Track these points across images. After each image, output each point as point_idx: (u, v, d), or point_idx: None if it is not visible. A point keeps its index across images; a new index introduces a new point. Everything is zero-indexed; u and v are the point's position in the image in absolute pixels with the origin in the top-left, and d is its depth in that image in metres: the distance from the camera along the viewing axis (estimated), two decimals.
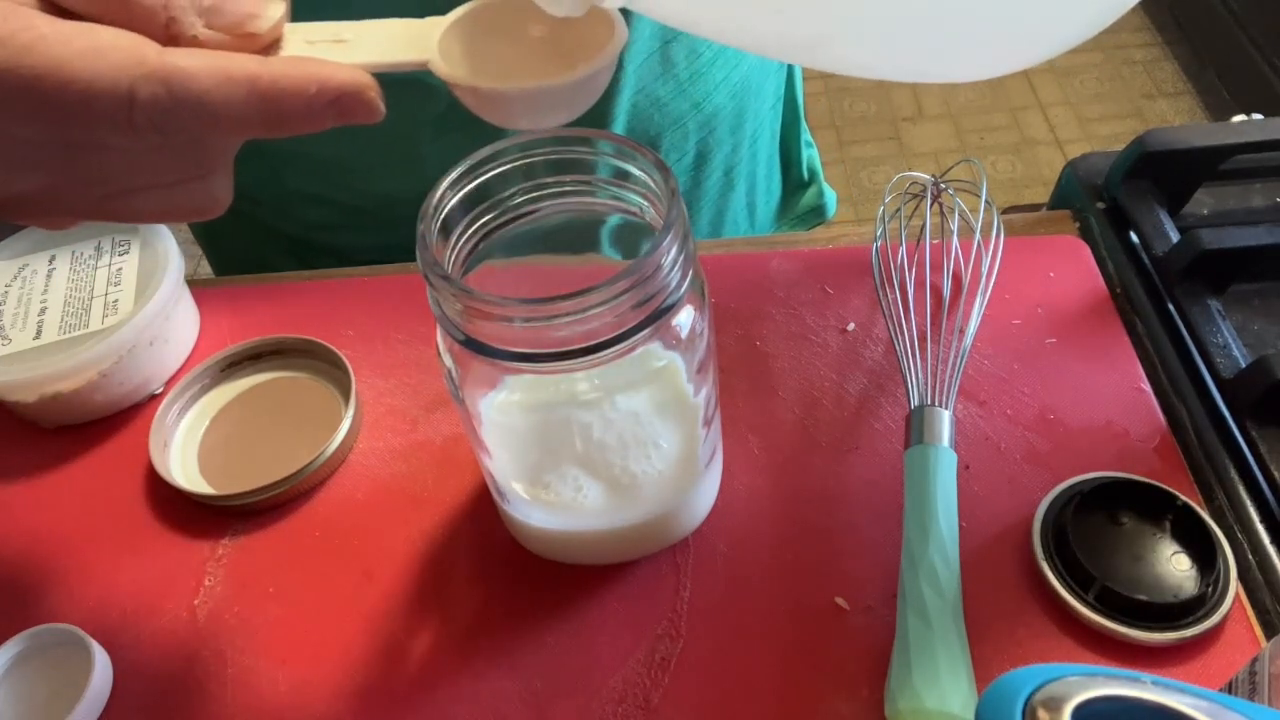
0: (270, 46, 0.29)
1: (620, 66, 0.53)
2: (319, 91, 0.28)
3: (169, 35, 0.27)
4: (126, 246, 0.54)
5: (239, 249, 0.68)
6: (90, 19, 0.27)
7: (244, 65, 0.27)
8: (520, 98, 0.30)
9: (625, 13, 0.30)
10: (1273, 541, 0.41)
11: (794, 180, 0.73)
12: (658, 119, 0.58)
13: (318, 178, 0.57)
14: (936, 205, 0.54)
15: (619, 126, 0.56)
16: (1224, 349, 0.47)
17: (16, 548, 0.47)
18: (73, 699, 0.40)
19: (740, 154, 0.64)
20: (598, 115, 0.55)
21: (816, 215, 0.74)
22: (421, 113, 0.52)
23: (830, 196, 0.75)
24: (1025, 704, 0.27)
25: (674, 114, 0.58)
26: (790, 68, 0.69)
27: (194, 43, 0.28)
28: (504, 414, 0.40)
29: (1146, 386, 0.48)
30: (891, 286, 0.51)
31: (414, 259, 0.33)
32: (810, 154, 0.73)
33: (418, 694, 0.40)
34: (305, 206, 0.60)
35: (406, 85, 0.50)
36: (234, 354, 0.52)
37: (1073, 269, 0.53)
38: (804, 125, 0.71)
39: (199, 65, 0.26)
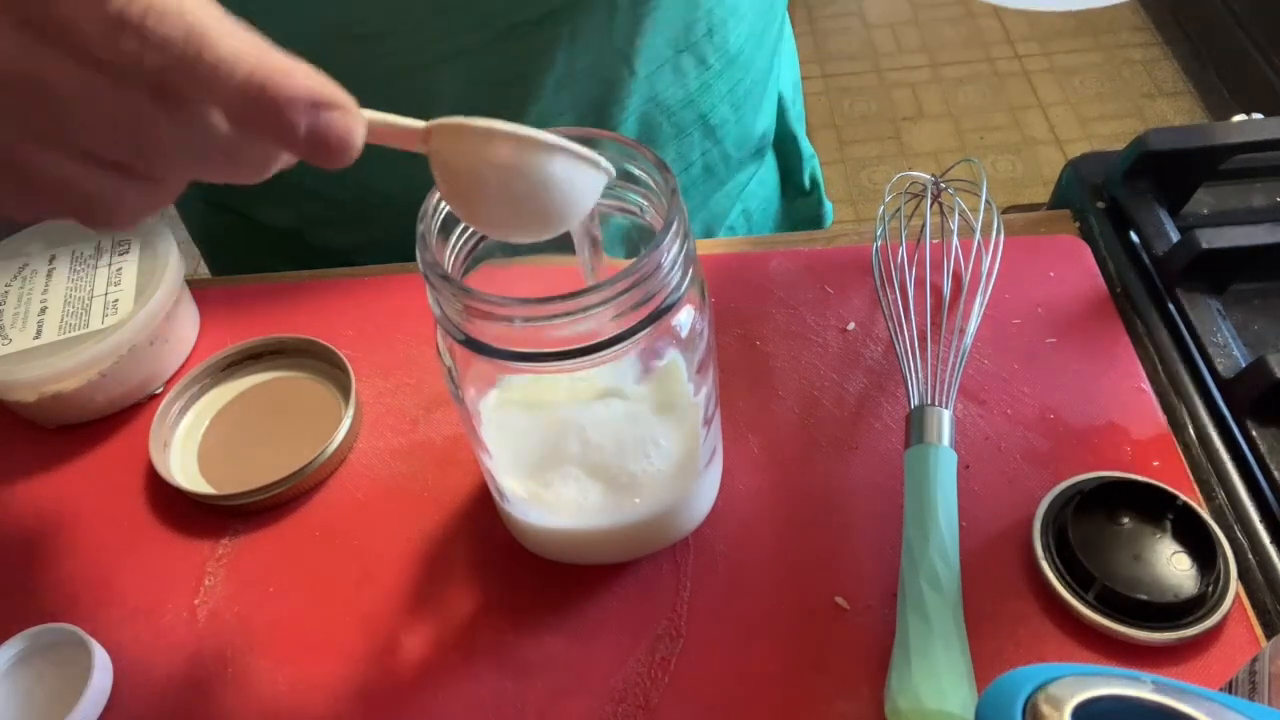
0: None
1: (633, 73, 0.54)
2: (309, 97, 0.27)
3: None
4: (126, 246, 0.54)
5: (236, 251, 0.68)
6: None
7: (270, 58, 0.26)
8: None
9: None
10: (1273, 541, 0.41)
11: (794, 188, 0.73)
12: (666, 128, 0.58)
13: (320, 172, 0.57)
14: (936, 205, 0.54)
15: (629, 134, 0.57)
16: (1224, 349, 0.47)
17: (16, 548, 0.47)
18: (73, 699, 0.40)
19: (740, 163, 0.65)
20: (609, 126, 0.55)
21: (813, 224, 0.75)
22: (430, 109, 0.52)
23: (828, 208, 0.75)
24: (1025, 704, 0.27)
25: (681, 123, 0.58)
26: (788, 76, 0.69)
27: None
28: (504, 413, 0.40)
29: (1146, 386, 0.48)
30: (891, 286, 0.51)
31: (414, 259, 0.33)
32: (813, 165, 0.73)
33: (418, 694, 0.40)
34: (306, 201, 0.60)
35: (413, 80, 0.50)
36: (234, 354, 0.52)
37: (1073, 269, 0.53)
38: (804, 138, 0.71)
39: (240, 47, 0.25)
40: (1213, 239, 0.48)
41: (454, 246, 0.36)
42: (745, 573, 0.43)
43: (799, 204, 0.73)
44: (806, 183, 0.73)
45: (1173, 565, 0.40)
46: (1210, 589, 0.39)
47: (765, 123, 0.66)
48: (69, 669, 0.41)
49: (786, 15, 0.66)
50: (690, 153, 0.60)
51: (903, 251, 0.53)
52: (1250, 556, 0.41)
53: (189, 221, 0.70)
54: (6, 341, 0.50)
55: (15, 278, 0.53)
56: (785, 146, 0.70)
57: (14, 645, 0.42)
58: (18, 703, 0.41)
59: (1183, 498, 0.41)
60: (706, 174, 0.62)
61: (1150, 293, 0.51)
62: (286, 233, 0.63)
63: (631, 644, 0.41)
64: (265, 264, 0.62)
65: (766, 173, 0.69)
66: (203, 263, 0.72)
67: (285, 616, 0.43)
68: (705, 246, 0.58)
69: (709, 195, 0.64)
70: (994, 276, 0.50)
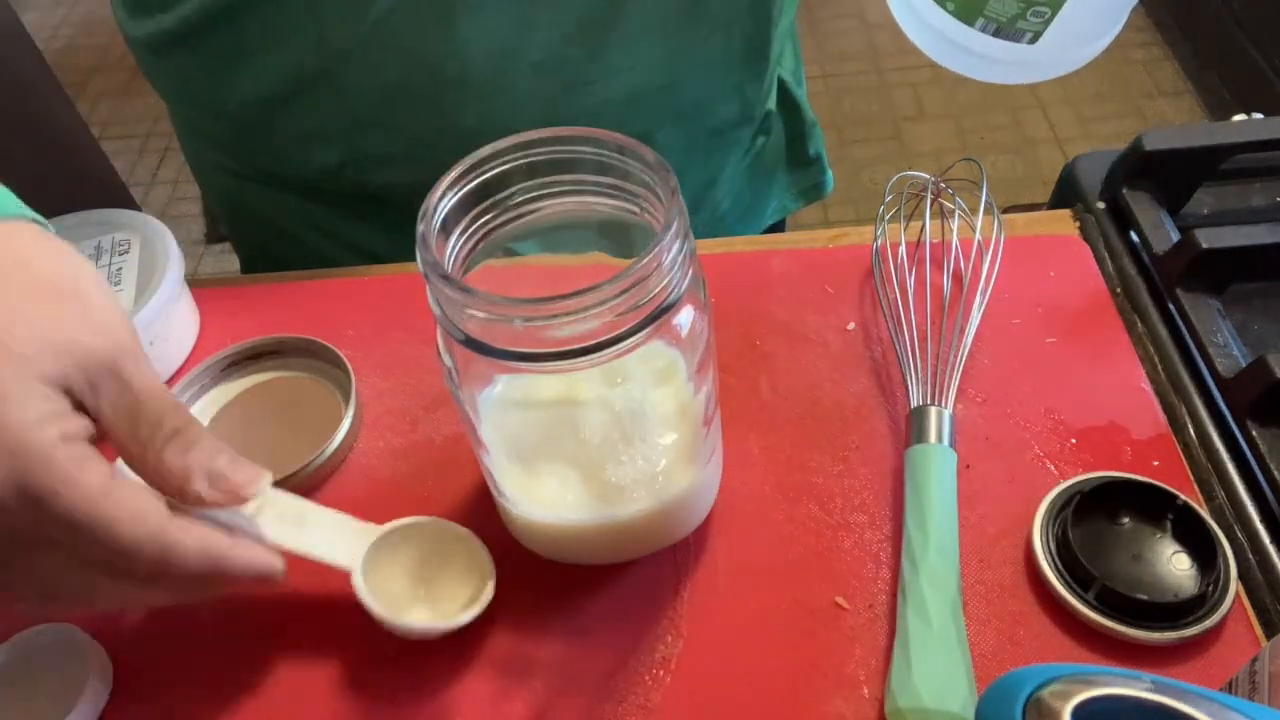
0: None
1: (698, 34, 0.55)
2: (255, 576, 0.37)
3: (181, 494, 0.34)
4: (126, 246, 0.54)
5: (262, 219, 0.67)
6: (127, 460, 0.34)
7: (219, 547, 0.35)
8: (399, 630, 0.39)
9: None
10: (1273, 541, 0.41)
11: (797, 156, 0.74)
12: (704, 104, 0.59)
13: (391, 103, 0.56)
14: (937, 205, 0.54)
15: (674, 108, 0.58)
16: (1224, 349, 0.47)
17: None
18: (72, 699, 0.40)
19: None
20: (663, 100, 0.57)
21: (815, 191, 0.76)
22: (520, 52, 0.52)
23: (829, 175, 0.77)
24: (1025, 704, 0.27)
25: (707, 96, 0.59)
26: (790, 49, 0.70)
27: (199, 501, 0.35)
28: (504, 413, 0.40)
29: (1146, 386, 0.48)
30: (891, 286, 0.51)
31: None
32: (816, 132, 0.75)
33: (418, 694, 0.40)
34: (367, 133, 0.58)
35: (509, 20, 0.50)
36: (234, 354, 0.52)
37: (1073, 269, 0.53)
38: (807, 106, 0.72)
39: (193, 546, 0.34)
40: (1213, 239, 0.48)
41: (454, 246, 0.36)
42: (745, 573, 0.43)
43: (802, 173, 0.75)
44: (811, 151, 0.74)
45: (1173, 565, 0.40)
46: (1210, 589, 0.39)
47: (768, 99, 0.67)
48: (69, 669, 0.41)
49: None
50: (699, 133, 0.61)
51: (903, 251, 0.53)
52: (1250, 556, 0.41)
53: (210, 192, 0.70)
54: None
55: None
56: (791, 116, 0.71)
57: (14, 645, 0.42)
58: (18, 703, 0.41)
59: (1183, 498, 0.41)
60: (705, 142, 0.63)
61: (1150, 293, 0.51)
62: (316, 188, 0.62)
63: (631, 644, 0.41)
64: (291, 229, 0.62)
65: (774, 140, 0.71)
66: (203, 261, 0.72)
67: (285, 616, 0.43)
68: (705, 246, 0.58)
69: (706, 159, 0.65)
70: (994, 276, 0.50)
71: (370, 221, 0.63)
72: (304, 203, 0.63)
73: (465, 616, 0.40)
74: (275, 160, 0.61)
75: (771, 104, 0.68)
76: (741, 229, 0.73)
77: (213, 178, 0.68)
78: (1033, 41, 0.37)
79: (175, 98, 0.63)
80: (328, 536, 0.40)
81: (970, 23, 0.37)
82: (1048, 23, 0.36)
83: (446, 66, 0.52)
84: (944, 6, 0.37)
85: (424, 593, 0.42)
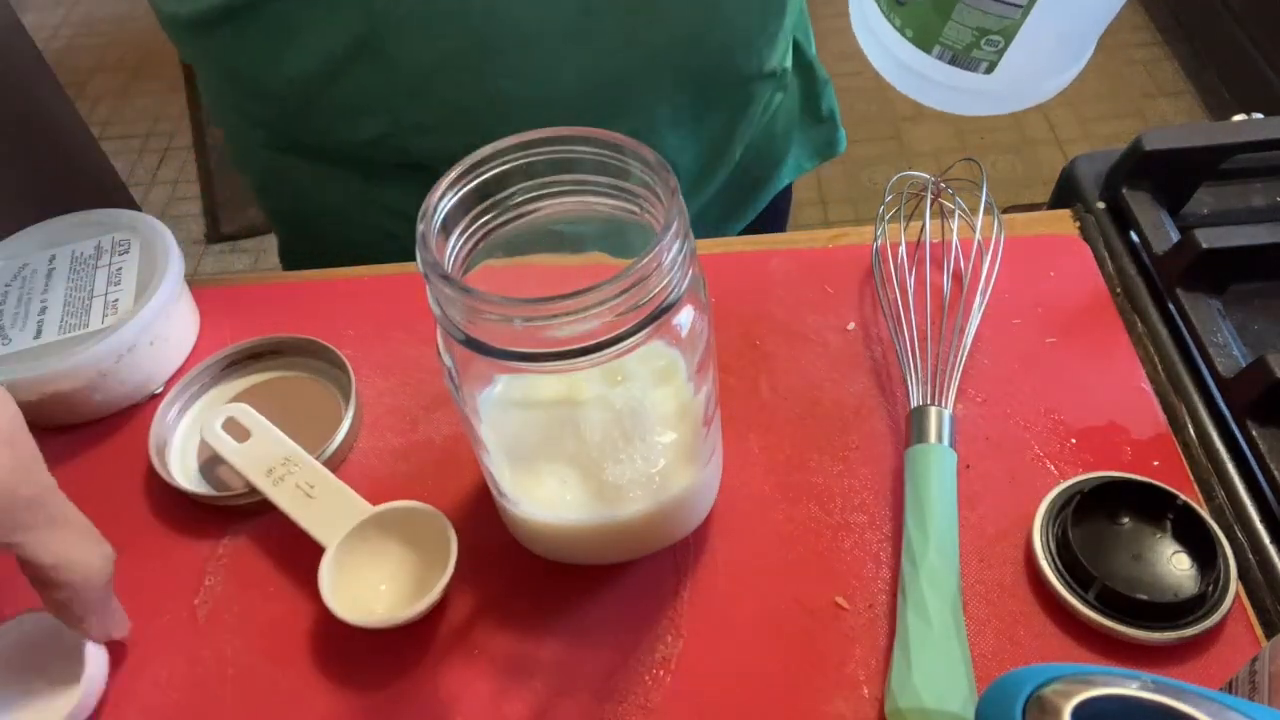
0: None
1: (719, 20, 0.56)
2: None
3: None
4: (126, 246, 0.54)
5: (300, 193, 0.67)
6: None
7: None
8: (350, 622, 0.41)
9: None
10: (1273, 541, 0.41)
11: (812, 114, 0.75)
12: (723, 77, 0.60)
13: (435, 72, 0.56)
14: (937, 205, 0.54)
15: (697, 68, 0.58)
16: (1224, 348, 0.47)
17: None
18: (73, 679, 0.40)
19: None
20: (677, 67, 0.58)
21: (829, 149, 0.77)
22: (556, 18, 0.53)
23: (842, 134, 0.78)
24: (1025, 704, 0.27)
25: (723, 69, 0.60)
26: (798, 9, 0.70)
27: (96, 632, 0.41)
28: (504, 413, 0.40)
29: (1146, 386, 0.48)
30: (891, 286, 0.51)
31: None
32: (829, 89, 0.76)
33: (418, 694, 0.40)
34: (411, 103, 0.58)
35: None
36: (234, 354, 0.52)
37: (1073, 269, 0.53)
38: (819, 63, 0.73)
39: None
40: (1213, 239, 0.48)
41: (454, 246, 0.36)
42: (745, 573, 0.43)
43: (817, 130, 0.76)
44: (825, 108, 0.75)
45: (1173, 565, 0.40)
46: (1210, 589, 0.39)
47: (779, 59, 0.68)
48: (68, 650, 0.41)
49: None
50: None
51: (903, 251, 0.53)
52: (1250, 556, 0.41)
53: (247, 167, 0.70)
54: (6, 341, 0.50)
55: (15, 278, 0.53)
56: (805, 74, 0.72)
57: (13, 627, 0.42)
58: (17, 685, 0.41)
59: (1183, 498, 0.41)
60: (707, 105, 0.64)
61: (1150, 293, 0.51)
62: (356, 157, 0.62)
63: (631, 644, 0.41)
64: (332, 199, 0.62)
65: (790, 99, 0.71)
66: (203, 261, 0.72)
67: (285, 616, 0.43)
68: (705, 246, 0.58)
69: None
70: (994, 276, 0.50)
71: (410, 187, 0.63)
72: (344, 172, 0.63)
73: (408, 613, 0.41)
74: (318, 133, 0.61)
75: (788, 62, 0.68)
76: (759, 189, 0.74)
77: (251, 153, 0.68)
78: (988, 71, 0.37)
79: (217, 76, 0.63)
80: (325, 510, 0.43)
81: (928, 50, 0.37)
82: (1002, 52, 0.36)
83: (486, 32, 0.52)
84: (903, 34, 0.38)
85: (401, 582, 0.43)
